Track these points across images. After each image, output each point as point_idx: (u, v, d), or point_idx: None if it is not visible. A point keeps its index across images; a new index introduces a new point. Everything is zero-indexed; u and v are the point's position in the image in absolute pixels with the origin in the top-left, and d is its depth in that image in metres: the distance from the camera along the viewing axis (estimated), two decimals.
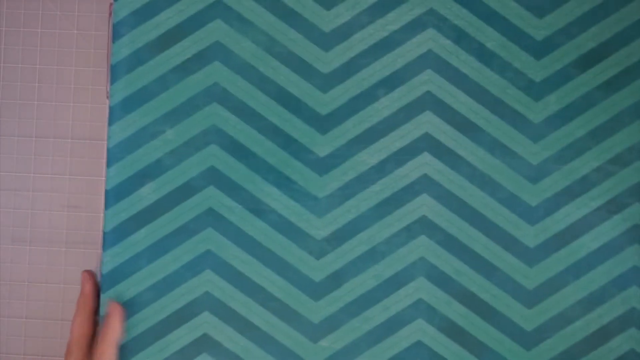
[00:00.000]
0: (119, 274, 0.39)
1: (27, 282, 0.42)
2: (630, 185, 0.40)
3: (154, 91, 0.39)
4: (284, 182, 0.39)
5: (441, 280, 0.39)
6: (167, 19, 0.39)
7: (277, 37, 0.40)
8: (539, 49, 0.40)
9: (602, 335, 0.39)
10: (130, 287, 0.39)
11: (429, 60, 0.40)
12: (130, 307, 0.39)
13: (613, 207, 0.39)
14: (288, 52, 0.40)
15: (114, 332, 0.37)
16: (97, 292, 0.38)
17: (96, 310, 0.38)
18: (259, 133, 0.39)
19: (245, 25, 0.40)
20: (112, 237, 0.39)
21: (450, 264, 0.39)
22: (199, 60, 0.39)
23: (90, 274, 0.38)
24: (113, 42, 0.39)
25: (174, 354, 0.39)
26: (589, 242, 0.39)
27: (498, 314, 0.39)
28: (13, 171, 0.43)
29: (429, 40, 0.40)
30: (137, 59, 0.39)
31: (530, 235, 0.39)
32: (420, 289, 0.39)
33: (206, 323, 0.39)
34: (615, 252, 0.39)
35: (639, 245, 0.40)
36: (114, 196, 0.39)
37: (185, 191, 0.39)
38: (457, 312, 0.39)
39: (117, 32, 0.40)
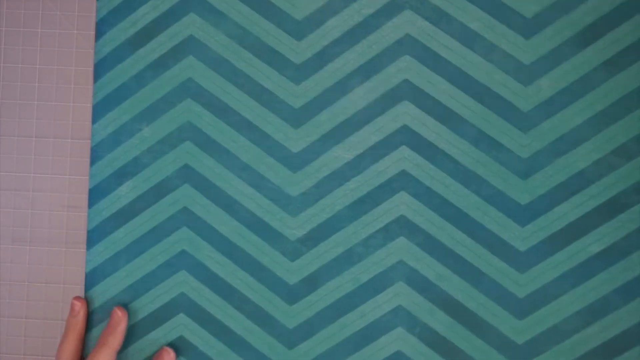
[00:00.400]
0: (101, 273, 0.39)
1: (27, 282, 0.42)
2: (635, 181, 0.35)
3: (132, 88, 0.39)
4: (257, 180, 0.37)
5: (422, 285, 0.36)
6: (144, 15, 0.39)
7: (249, 28, 0.38)
8: (529, 27, 0.36)
9: (605, 352, 0.35)
10: (111, 287, 0.38)
11: (406, 46, 0.36)
12: (109, 307, 0.39)
13: (616, 206, 0.35)
14: (260, 43, 0.38)
15: (115, 339, 0.37)
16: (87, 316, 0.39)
17: (84, 333, 0.39)
18: (232, 129, 0.38)
19: (218, 18, 0.38)
20: (94, 236, 0.39)
21: (432, 269, 0.36)
22: (174, 55, 0.38)
23: (82, 300, 0.39)
24: (96, 40, 0.39)
25: (150, 356, 0.38)
26: (588, 246, 0.35)
27: (485, 324, 0.35)
28: (13, 171, 0.43)
29: (406, 22, 0.36)
30: (117, 56, 0.39)
31: (520, 237, 0.35)
32: (400, 294, 0.36)
33: (182, 325, 0.38)
34: (620, 258, 0.35)
35: None
36: (95, 195, 0.39)
37: (161, 190, 0.38)
38: (439, 321, 0.36)
39: (99, 31, 0.39)
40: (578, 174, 0.35)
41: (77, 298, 0.39)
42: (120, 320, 0.37)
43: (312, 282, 0.37)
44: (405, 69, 0.37)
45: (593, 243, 0.35)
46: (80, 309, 0.38)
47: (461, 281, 0.36)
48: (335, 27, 0.37)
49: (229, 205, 0.38)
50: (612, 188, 0.35)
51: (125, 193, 0.38)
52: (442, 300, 0.36)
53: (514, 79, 0.36)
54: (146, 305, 0.38)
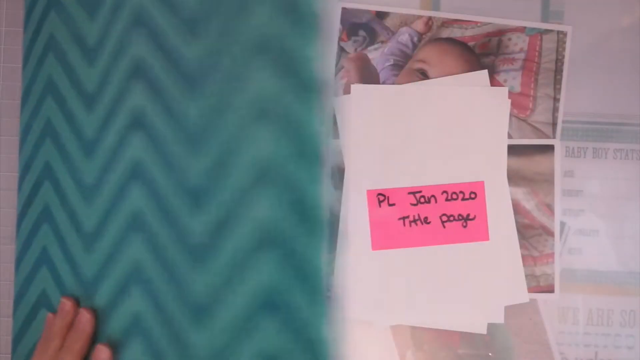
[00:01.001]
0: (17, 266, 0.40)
1: None
2: None
3: (29, 86, 0.39)
4: (70, 172, 0.36)
5: (158, 298, 0.31)
6: (36, 13, 0.39)
7: (75, 18, 0.36)
8: None
9: None
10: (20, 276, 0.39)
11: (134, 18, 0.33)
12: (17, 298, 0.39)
13: None
14: (74, 31, 0.36)
15: (84, 344, 0.33)
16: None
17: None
18: (64, 122, 0.37)
19: (64, 12, 0.37)
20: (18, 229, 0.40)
21: (161, 276, 0.31)
22: (45, 53, 0.38)
23: (90, 311, 0.35)
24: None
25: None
26: None
27: None
28: (13, 171, 0.43)
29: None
30: (27, 55, 0.40)
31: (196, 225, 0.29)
32: (136, 306, 0.32)
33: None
34: None
35: None
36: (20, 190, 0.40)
37: (36, 187, 0.38)
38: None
39: (25, 30, 0.40)
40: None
41: (86, 309, 0.34)
42: (87, 323, 0.33)
43: (98, 280, 0.34)
44: (135, 44, 0.33)
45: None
46: (89, 321, 0.34)
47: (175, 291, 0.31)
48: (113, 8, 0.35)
49: (63, 201, 0.36)
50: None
51: (28, 188, 0.39)
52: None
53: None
54: (29, 300, 0.38)
